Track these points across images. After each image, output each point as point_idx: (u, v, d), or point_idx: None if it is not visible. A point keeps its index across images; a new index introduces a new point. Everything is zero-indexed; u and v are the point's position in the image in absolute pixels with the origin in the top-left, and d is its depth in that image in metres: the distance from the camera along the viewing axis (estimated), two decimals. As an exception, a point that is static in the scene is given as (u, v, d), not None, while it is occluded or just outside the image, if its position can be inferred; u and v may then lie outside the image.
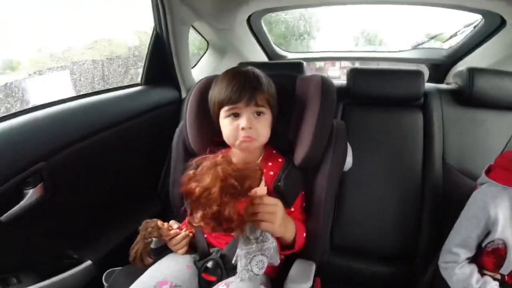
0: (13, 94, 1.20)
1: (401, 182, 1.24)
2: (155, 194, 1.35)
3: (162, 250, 0.81)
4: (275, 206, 0.68)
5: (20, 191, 0.84)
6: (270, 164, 0.85)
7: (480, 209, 0.85)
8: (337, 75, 3.17)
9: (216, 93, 0.82)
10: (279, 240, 0.73)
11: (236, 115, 0.80)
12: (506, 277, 0.84)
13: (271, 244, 0.68)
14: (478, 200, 0.87)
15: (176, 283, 0.73)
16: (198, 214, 0.61)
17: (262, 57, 1.88)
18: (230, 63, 1.69)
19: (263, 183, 0.67)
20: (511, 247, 0.81)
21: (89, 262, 0.98)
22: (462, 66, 1.58)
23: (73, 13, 1.29)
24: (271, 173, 0.83)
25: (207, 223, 0.61)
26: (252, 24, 1.63)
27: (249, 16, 1.56)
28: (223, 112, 0.81)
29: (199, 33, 1.60)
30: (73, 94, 1.34)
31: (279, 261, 0.71)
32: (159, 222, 0.78)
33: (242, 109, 0.78)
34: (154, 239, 0.78)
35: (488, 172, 0.90)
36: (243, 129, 0.78)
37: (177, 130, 0.98)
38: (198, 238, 0.82)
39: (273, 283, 0.79)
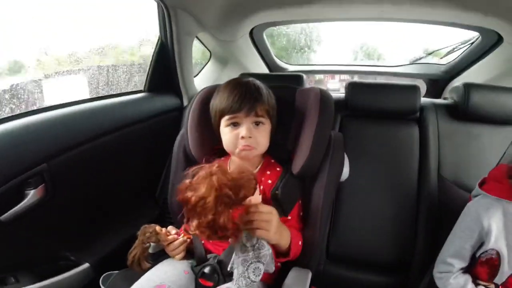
0: (19, 96, 1.22)
1: (397, 194, 1.26)
2: (153, 199, 1.36)
3: (160, 255, 0.82)
4: (270, 214, 0.70)
5: (21, 192, 0.85)
6: (268, 172, 0.87)
7: (474, 220, 0.86)
8: (337, 88, 3.22)
9: (217, 102, 0.84)
10: (274, 247, 0.75)
11: (236, 124, 0.82)
12: (500, 286, 0.85)
13: (268, 251, 0.69)
14: (472, 211, 0.88)
15: (174, 288, 0.73)
16: (194, 223, 0.63)
17: (263, 69, 1.91)
18: (232, 73, 1.72)
19: (257, 192, 0.68)
20: (504, 257, 0.82)
21: (86, 265, 0.99)
22: (459, 81, 1.61)
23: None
24: (269, 181, 0.85)
25: (202, 232, 0.62)
26: (255, 37, 1.67)
27: (252, 29, 1.60)
28: (223, 121, 0.83)
29: (202, 43, 1.63)
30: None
31: (274, 268, 0.72)
32: (158, 228, 0.79)
33: (242, 118, 0.80)
34: (152, 244, 0.79)
35: (482, 184, 0.92)
36: (243, 138, 0.80)
37: (178, 137, 1.00)
38: (196, 244, 0.83)
39: (270, 290, 0.80)
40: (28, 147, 0.85)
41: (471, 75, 1.61)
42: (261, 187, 0.79)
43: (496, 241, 0.83)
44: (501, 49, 1.40)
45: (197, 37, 1.50)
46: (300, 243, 0.82)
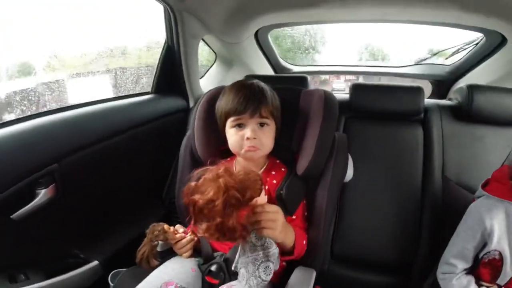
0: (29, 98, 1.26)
1: (401, 194, 1.26)
2: (159, 199, 1.38)
3: (168, 253, 0.83)
4: (276, 213, 0.71)
5: (32, 191, 0.87)
6: (273, 173, 0.88)
7: (476, 221, 0.87)
8: (342, 88, 3.22)
9: (223, 104, 0.86)
10: (279, 246, 0.75)
11: (241, 126, 0.83)
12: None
13: (275, 250, 0.70)
14: (474, 212, 0.89)
15: (181, 285, 0.75)
16: (203, 226, 0.63)
17: (268, 70, 1.92)
18: (237, 75, 1.73)
19: (263, 192, 0.70)
20: (507, 258, 0.83)
21: (95, 262, 1.01)
22: (464, 82, 1.60)
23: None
24: (274, 181, 0.86)
25: (212, 234, 0.63)
26: (259, 39, 1.68)
27: (257, 31, 1.61)
28: (229, 122, 0.85)
29: (208, 45, 1.65)
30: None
31: (278, 266, 0.74)
32: (166, 226, 0.81)
33: (247, 120, 0.82)
34: (160, 242, 0.81)
35: (485, 185, 0.93)
36: (248, 139, 0.81)
37: (185, 138, 1.01)
38: (203, 243, 0.84)
39: (274, 289, 0.81)
40: (39, 147, 0.88)
41: (476, 76, 1.60)
42: (266, 187, 0.80)
43: (498, 242, 0.83)
44: (505, 50, 1.40)
45: (203, 39, 1.52)
46: (304, 242, 0.84)
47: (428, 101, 1.35)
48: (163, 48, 1.36)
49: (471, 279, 0.87)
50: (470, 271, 0.89)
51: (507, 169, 0.88)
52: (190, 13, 1.28)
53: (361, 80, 2.45)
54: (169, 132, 1.33)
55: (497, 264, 0.83)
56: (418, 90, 1.29)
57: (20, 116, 0.96)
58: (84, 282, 0.99)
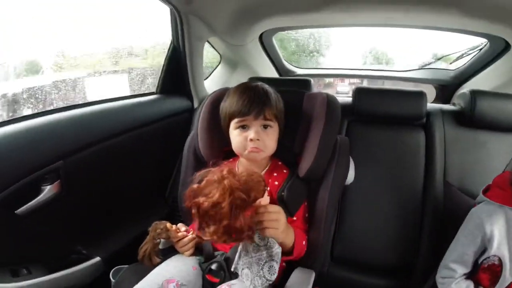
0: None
1: (402, 198, 1.26)
2: (162, 198, 1.39)
3: (170, 251, 0.85)
4: (278, 213, 0.72)
5: (37, 187, 0.89)
6: (275, 174, 0.89)
7: (476, 226, 0.87)
8: (346, 91, 3.21)
9: (227, 105, 0.87)
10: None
11: (245, 127, 0.84)
12: (501, 293, 0.85)
13: (278, 249, 0.71)
14: (475, 218, 0.89)
15: (182, 282, 0.76)
16: (210, 229, 0.63)
17: (272, 72, 1.93)
18: (241, 76, 1.75)
19: (266, 193, 0.71)
20: (506, 264, 0.82)
21: (97, 259, 1.02)
22: (468, 87, 1.60)
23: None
24: (276, 183, 0.87)
25: (219, 237, 0.63)
26: (264, 41, 1.69)
27: (261, 34, 1.62)
28: (233, 124, 0.86)
29: (213, 47, 1.66)
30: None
31: (278, 266, 0.75)
32: (168, 224, 0.82)
33: (251, 121, 0.83)
34: (162, 240, 0.82)
35: (486, 191, 0.93)
36: (251, 141, 0.82)
37: (189, 138, 1.03)
38: (204, 242, 0.85)
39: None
40: (45, 144, 0.89)
41: (480, 81, 1.60)
42: (268, 188, 0.81)
43: (498, 248, 0.83)
44: (509, 55, 1.40)
45: (208, 41, 1.53)
46: (304, 243, 0.84)
47: (430, 105, 1.35)
48: (168, 49, 1.37)
49: (470, 284, 0.87)
50: (469, 276, 0.89)
51: (509, 175, 0.88)
52: (196, 15, 1.30)
53: (365, 83, 2.45)
54: (174, 132, 1.35)
55: (496, 270, 0.83)
56: (421, 95, 1.29)
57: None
58: (86, 278, 1.00)
